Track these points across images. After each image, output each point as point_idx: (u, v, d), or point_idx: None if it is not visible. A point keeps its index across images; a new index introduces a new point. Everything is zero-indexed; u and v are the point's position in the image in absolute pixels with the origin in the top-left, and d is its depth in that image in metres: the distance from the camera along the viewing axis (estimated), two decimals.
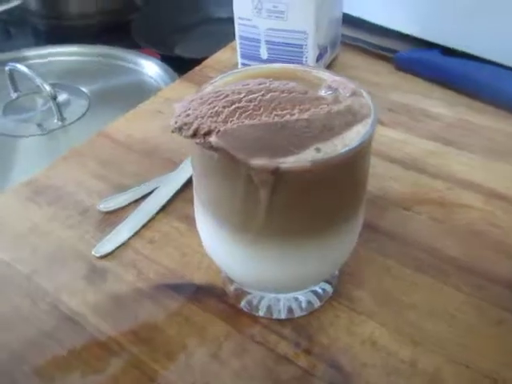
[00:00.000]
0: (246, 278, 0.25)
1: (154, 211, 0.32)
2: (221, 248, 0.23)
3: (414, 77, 0.47)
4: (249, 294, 0.27)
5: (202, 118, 0.17)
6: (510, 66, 0.43)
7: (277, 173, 0.17)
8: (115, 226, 0.31)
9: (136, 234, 0.31)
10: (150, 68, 0.62)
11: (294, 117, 0.17)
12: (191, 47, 0.78)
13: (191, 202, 0.24)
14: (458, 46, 0.46)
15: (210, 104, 0.18)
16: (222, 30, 0.85)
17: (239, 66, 0.47)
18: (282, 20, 0.41)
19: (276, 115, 0.17)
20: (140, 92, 0.57)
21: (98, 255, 0.30)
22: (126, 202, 0.33)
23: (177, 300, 0.27)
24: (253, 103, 0.18)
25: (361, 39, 0.50)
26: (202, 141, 0.17)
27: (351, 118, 0.18)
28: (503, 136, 0.40)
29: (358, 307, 0.27)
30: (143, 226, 0.32)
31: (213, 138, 0.17)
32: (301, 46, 0.42)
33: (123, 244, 0.30)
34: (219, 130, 0.17)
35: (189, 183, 0.34)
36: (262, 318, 0.26)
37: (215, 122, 0.17)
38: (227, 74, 0.22)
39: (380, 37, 0.50)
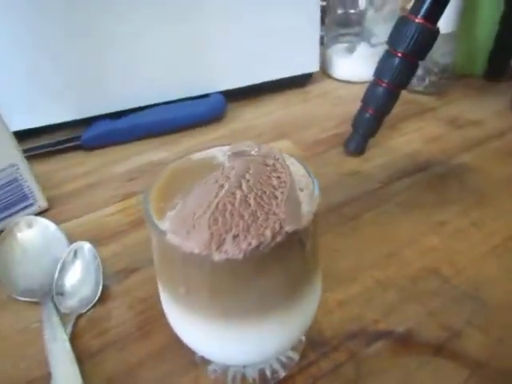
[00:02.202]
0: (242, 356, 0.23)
1: None
2: (210, 339, 0.21)
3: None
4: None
5: (254, 225, 0.16)
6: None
7: (314, 219, 0.19)
8: None
9: None
10: None
11: (285, 178, 0.19)
12: None
13: None
14: (115, 108, 0.50)
15: (232, 216, 0.17)
16: None
17: None
18: None
19: (279, 186, 0.18)
20: None
21: None
22: None
23: None
24: (254, 191, 0.18)
25: (41, 145, 0.46)
26: (282, 237, 0.16)
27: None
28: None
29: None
30: None
31: (287, 228, 0.16)
32: (16, 180, 0.36)
33: None
34: (284, 218, 0.16)
35: None
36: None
37: (266, 219, 0.17)
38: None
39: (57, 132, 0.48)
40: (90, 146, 0.48)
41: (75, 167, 0.46)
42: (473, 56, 0.59)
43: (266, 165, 0.20)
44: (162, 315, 0.29)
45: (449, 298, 0.30)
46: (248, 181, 0.19)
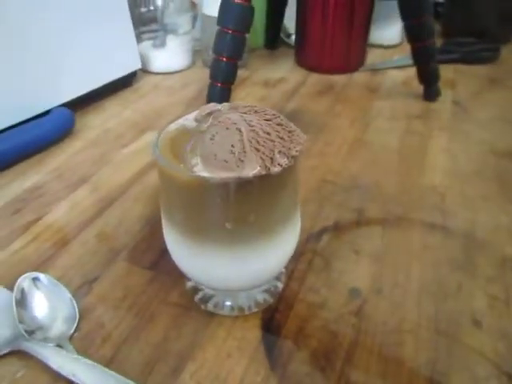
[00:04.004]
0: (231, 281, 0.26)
1: None
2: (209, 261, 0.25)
3: None
4: (214, 296, 0.30)
5: (285, 142, 0.21)
6: None
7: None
8: None
9: None
10: None
11: (272, 112, 0.24)
12: None
13: None
14: None
15: (265, 143, 0.21)
16: None
17: None
18: None
19: (274, 117, 0.23)
20: None
21: None
22: None
23: None
24: (263, 124, 0.22)
25: None
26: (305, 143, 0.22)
27: None
28: None
29: None
30: None
31: (305, 136, 0.22)
32: None
33: None
34: (300, 131, 0.22)
35: None
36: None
37: (291, 136, 0.21)
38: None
39: None
40: None
41: None
42: (255, 32, 0.72)
43: (245, 112, 0.25)
44: (156, 296, 0.30)
45: (343, 192, 0.41)
46: (251, 121, 0.23)
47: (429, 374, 0.26)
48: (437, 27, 0.78)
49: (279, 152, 0.21)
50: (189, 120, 0.26)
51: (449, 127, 0.52)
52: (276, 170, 0.21)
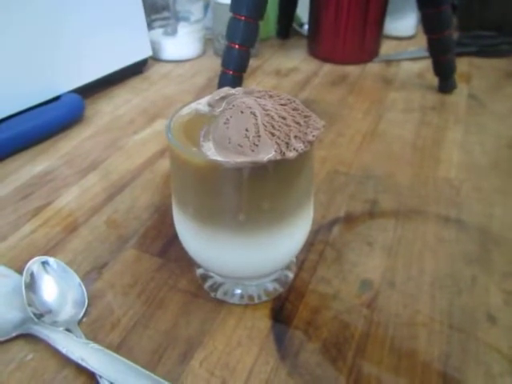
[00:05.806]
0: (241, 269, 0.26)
1: None
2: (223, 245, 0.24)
3: None
4: (224, 284, 0.29)
5: (301, 127, 0.20)
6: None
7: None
8: None
9: None
10: None
11: (287, 96, 0.23)
12: None
13: None
14: None
15: (280, 127, 0.20)
16: None
17: None
18: None
19: (289, 102, 0.22)
20: None
21: None
22: None
23: None
24: (278, 109, 0.21)
25: None
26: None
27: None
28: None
29: None
30: None
31: (323, 122, 0.21)
32: None
33: None
34: (317, 117, 0.21)
35: None
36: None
37: (307, 121, 0.21)
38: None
39: None
40: None
41: None
42: (267, 21, 0.71)
43: (259, 96, 0.24)
44: (165, 283, 0.30)
45: (355, 183, 0.40)
46: (265, 105, 0.22)
47: (442, 369, 0.25)
48: (453, 20, 0.77)
49: (295, 137, 0.20)
50: (201, 104, 0.26)
51: (464, 120, 0.51)
52: (291, 154, 0.20)
